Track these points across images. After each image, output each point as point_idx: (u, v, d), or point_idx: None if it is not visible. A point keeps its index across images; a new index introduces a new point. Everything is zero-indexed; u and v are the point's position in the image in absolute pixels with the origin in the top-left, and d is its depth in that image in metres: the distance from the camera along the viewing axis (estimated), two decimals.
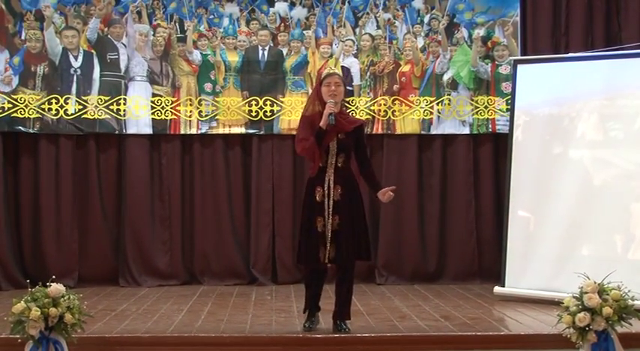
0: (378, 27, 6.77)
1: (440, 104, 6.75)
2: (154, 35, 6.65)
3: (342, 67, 6.71)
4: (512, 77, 6.03)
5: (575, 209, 5.53)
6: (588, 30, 6.71)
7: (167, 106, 6.65)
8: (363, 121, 4.83)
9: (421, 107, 6.74)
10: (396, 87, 6.74)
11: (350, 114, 5.26)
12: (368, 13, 6.77)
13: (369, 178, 4.52)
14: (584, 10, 6.72)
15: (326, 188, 4.37)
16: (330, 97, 4.37)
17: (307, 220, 4.39)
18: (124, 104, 6.59)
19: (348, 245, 4.33)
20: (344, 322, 4.42)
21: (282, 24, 6.75)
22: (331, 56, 6.74)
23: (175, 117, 6.64)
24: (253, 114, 6.70)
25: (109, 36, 6.62)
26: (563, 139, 5.66)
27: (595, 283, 3.79)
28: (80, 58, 6.56)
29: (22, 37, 6.51)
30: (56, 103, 6.52)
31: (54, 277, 4.00)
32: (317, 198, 4.37)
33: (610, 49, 6.04)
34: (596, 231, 5.40)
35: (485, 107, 6.76)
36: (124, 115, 6.59)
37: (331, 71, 4.62)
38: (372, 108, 6.73)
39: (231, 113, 6.70)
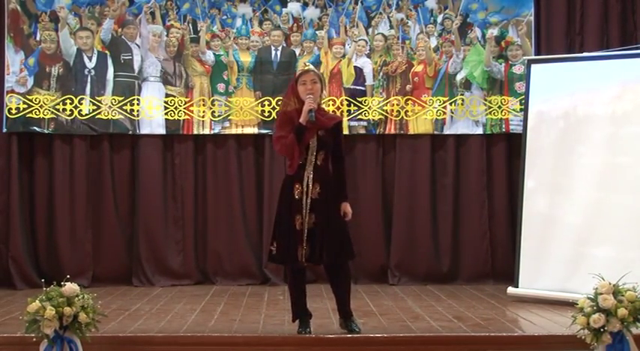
0: (391, 27, 6.76)
1: (453, 104, 6.72)
2: (167, 36, 6.68)
3: (355, 66, 6.72)
4: (526, 77, 6.00)
5: (589, 210, 5.49)
6: (603, 30, 6.66)
7: (180, 106, 6.67)
8: (341, 118, 4.75)
9: (434, 107, 6.72)
10: (408, 87, 6.73)
11: (327, 111, 5.17)
12: (381, 13, 6.76)
13: (338, 178, 4.37)
14: (599, 10, 6.66)
15: (305, 186, 4.27)
16: (307, 95, 4.26)
17: (285, 217, 4.27)
18: (138, 105, 6.62)
19: (327, 244, 4.22)
20: (353, 321, 4.39)
21: (295, 24, 6.76)
22: (344, 56, 6.73)
23: (188, 117, 6.67)
24: (266, 114, 6.71)
25: (122, 37, 6.65)
26: (577, 139, 5.62)
27: (610, 284, 3.76)
28: (94, 59, 6.60)
29: (37, 38, 6.56)
30: (70, 104, 6.57)
31: (68, 276, 4.02)
32: (295, 195, 4.27)
33: (625, 49, 5.99)
34: (611, 231, 5.36)
35: (499, 107, 6.73)
36: (138, 115, 6.63)
37: (306, 68, 4.41)
38: (384, 108, 6.72)
39: (243, 113, 6.71)
